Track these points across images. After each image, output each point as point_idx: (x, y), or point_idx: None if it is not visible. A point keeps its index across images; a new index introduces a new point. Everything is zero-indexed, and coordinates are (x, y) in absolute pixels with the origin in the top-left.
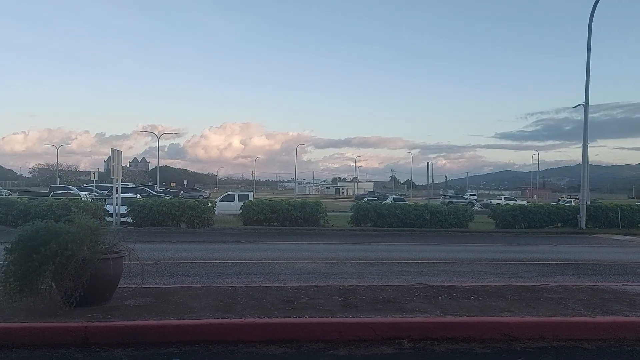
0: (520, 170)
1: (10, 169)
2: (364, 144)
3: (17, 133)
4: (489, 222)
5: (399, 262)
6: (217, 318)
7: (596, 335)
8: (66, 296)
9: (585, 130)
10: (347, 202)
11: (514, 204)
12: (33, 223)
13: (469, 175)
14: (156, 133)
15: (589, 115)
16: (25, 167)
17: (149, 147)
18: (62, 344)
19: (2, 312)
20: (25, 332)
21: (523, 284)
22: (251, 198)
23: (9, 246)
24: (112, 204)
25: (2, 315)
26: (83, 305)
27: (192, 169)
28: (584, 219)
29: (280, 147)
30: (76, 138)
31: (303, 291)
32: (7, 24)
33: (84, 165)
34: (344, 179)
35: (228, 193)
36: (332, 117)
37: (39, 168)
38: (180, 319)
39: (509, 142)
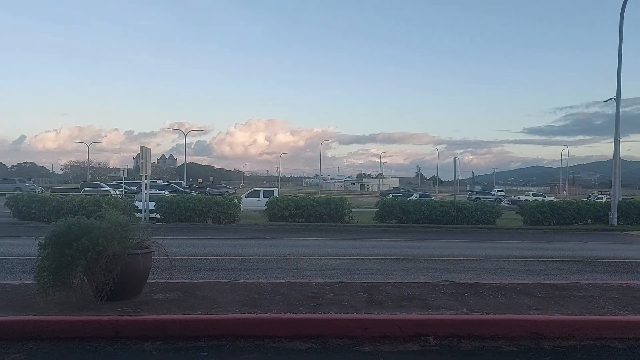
0: (549, 166)
1: (43, 166)
2: (388, 139)
3: (49, 131)
4: (516, 219)
5: (424, 259)
6: (244, 313)
7: (627, 334)
8: (97, 290)
9: (617, 124)
10: (372, 198)
11: (543, 200)
12: (65, 219)
13: (497, 171)
14: (183, 130)
15: (621, 109)
16: (57, 164)
17: (176, 145)
18: (94, 337)
19: (37, 306)
20: (58, 325)
21: (552, 281)
22: (276, 194)
23: (43, 241)
24: (141, 200)
25: (37, 309)
26: (113, 300)
27: (218, 166)
28: (616, 216)
29: (305, 144)
30: (106, 136)
31: (328, 287)
32: (40, 25)
33: (113, 162)
34: (369, 175)
35: (253, 189)
36: (356, 113)
37: (70, 165)
38: (207, 314)
39: (537, 137)
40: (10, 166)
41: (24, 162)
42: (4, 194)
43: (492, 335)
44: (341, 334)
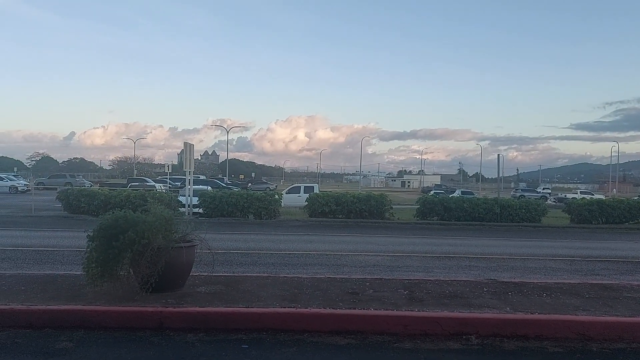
0: (598, 163)
1: (92, 162)
2: (430, 136)
3: (97, 127)
4: (563, 217)
5: (466, 257)
6: (284, 307)
7: None
8: (143, 282)
9: None
10: (413, 195)
11: (591, 198)
12: (113, 213)
13: (542, 168)
14: (225, 127)
15: None
16: (105, 159)
17: (218, 141)
18: (139, 327)
19: (86, 296)
20: (106, 315)
21: (600, 282)
22: (316, 190)
23: (91, 234)
24: (184, 195)
25: (86, 299)
26: (158, 291)
27: (259, 162)
28: None
29: (345, 140)
30: (150, 132)
31: (368, 283)
32: (90, 25)
33: (158, 158)
34: (410, 171)
35: (294, 185)
36: (397, 109)
37: (117, 161)
38: (248, 307)
39: (585, 134)
40: (61, 161)
41: (74, 158)
42: (56, 189)
43: (537, 335)
44: (381, 330)
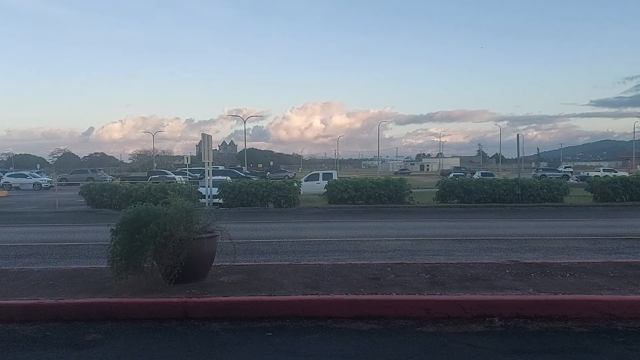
0: (621, 139)
1: (112, 156)
2: (447, 118)
3: (115, 122)
4: (586, 196)
5: (487, 239)
6: (306, 294)
7: None
8: (166, 273)
9: None
10: (432, 178)
11: (614, 175)
12: (134, 206)
13: (564, 146)
14: (242, 117)
15: None
16: (124, 153)
17: (235, 131)
18: (165, 318)
19: (111, 289)
20: (132, 306)
21: (625, 260)
22: (335, 177)
23: (115, 228)
24: (204, 186)
25: (112, 291)
26: (181, 282)
27: (276, 151)
28: None
29: (361, 125)
30: (167, 125)
31: (389, 268)
32: (105, 19)
33: (176, 150)
34: (428, 155)
35: (312, 173)
36: (413, 92)
37: (137, 154)
38: (271, 295)
39: (606, 110)
40: (82, 157)
41: (94, 153)
42: (78, 184)
43: (561, 316)
44: (403, 315)
